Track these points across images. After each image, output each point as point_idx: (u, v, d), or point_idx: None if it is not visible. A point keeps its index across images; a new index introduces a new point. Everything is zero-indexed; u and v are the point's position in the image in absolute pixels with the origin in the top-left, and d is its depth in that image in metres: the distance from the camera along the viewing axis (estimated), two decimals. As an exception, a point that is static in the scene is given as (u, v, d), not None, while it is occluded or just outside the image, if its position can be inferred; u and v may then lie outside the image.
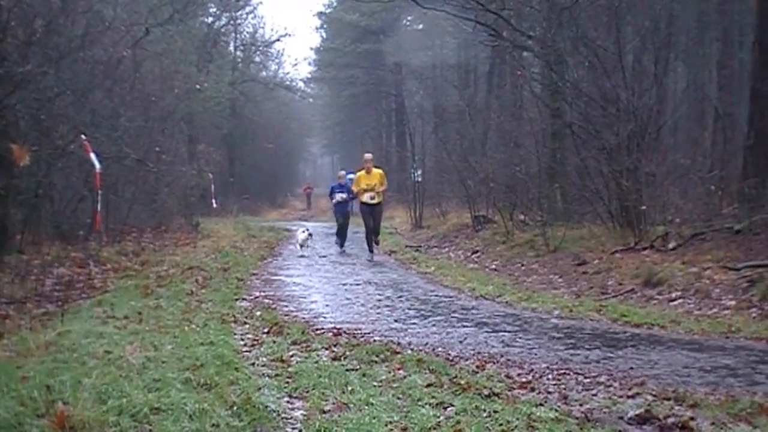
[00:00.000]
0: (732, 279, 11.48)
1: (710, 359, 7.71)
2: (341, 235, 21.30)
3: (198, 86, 28.81)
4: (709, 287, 11.42)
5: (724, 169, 17.18)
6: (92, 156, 13.79)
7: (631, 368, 7.31)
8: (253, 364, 7.04)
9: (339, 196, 21.22)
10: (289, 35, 56.22)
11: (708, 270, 12.12)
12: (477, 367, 7.23)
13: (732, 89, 22.46)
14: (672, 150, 19.61)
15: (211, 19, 41.78)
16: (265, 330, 8.77)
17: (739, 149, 16.62)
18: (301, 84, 58.83)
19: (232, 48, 48.43)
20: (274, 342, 8.05)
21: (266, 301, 11.35)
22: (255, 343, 8.08)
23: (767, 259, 11.81)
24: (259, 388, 6.00)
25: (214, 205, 30.00)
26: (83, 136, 14.01)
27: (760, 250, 12.50)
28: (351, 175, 39.68)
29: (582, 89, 17.40)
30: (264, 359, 7.29)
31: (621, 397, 6.16)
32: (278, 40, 50.19)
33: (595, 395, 6.24)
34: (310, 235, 19.81)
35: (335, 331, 8.92)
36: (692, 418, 5.41)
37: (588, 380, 6.78)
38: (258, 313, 9.95)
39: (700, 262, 12.62)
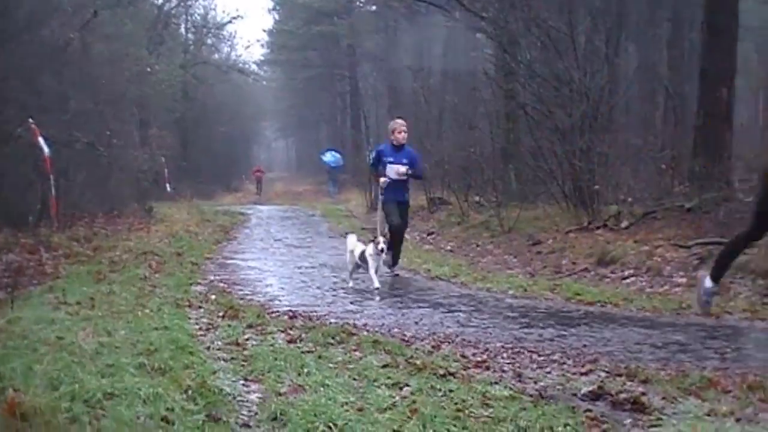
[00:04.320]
0: (683, 256, 11.63)
1: (662, 335, 7.81)
2: (396, 242, 12.92)
3: (149, 69, 28.45)
4: (660, 265, 11.56)
5: (674, 149, 17.33)
6: (40, 140, 13.61)
7: (585, 346, 7.37)
8: (208, 348, 6.99)
9: (395, 170, 12.70)
10: (241, 17, 56.00)
11: (659, 248, 12.26)
12: (432, 347, 7.25)
13: (682, 69, 22.69)
14: (624, 130, 19.73)
15: (161, 1, 41.27)
16: (220, 314, 8.71)
17: (690, 129, 16.79)
18: (254, 67, 58.54)
19: (183, 30, 47.99)
20: (230, 326, 8.00)
21: (221, 285, 11.28)
22: (210, 327, 8.03)
23: (717, 237, 11.97)
24: (214, 372, 5.97)
25: (168, 190, 29.77)
26: (31, 120, 13.81)
27: (709, 228, 12.66)
28: (330, 156, 39.63)
29: (535, 70, 17.47)
30: (219, 343, 7.25)
31: (574, 374, 6.22)
32: (230, 22, 49.75)
33: (549, 373, 6.29)
34: (382, 250, 11.39)
35: (291, 314, 8.90)
36: (644, 394, 5.48)
37: (542, 358, 6.83)
38: (213, 297, 9.89)
39: (652, 240, 12.76)
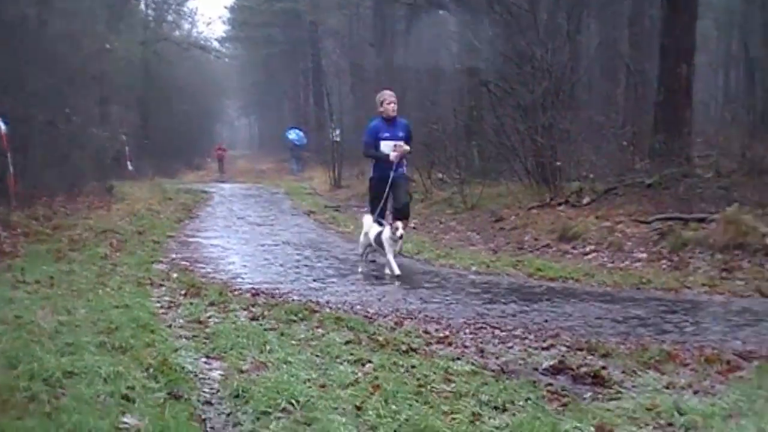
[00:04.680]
0: (643, 232, 11.74)
1: (622, 310, 7.89)
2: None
3: (108, 46, 28.07)
4: (621, 240, 11.66)
5: (636, 125, 17.45)
6: (-4, 117, 13.43)
7: (546, 321, 7.44)
8: (170, 326, 6.96)
9: (393, 148, 11.60)
10: (203, -7, 55.61)
11: (620, 224, 12.36)
12: (395, 323, 7.28)
13: (643, 46, 22.76)
14: (586, 107, 19.83)
15: (120, -24, 40.71)
16: (182, 292, 8.66)
17: (651, 105, 16.87)
18: (216, 44, 57.94)
19: (143, 6, 47.32)
20: (192, 304, 7.96)
21: (183, 263, 11.21)
22: (172, 305, 7.98)
23: (677, 212, 12.10)
24: (176, 350, 5.94)
25: (129, 168, 29.47)
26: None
27: (670, 204, 12.78)
28: (294, 134, 39.36)
29: (497, 47, 17.47)
30: (181, 321, 7.22)
31: (536, 349, 6.27)
32: (191, -2, 49.27)
33: (510, 348, 6.34)
34: (401, 237, 10.58)
35: (253, 291, 8.87)
36: (604, 367, 5.55)
37: (504, 333, 6.88)
38: (175, 276, 9.83)
39: (613, 216, 12.86)
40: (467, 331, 7.02)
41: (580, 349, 6.14)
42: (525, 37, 16.14)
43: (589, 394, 5.02)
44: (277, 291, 8.99)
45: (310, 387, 5.01)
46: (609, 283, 9.43)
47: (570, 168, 15.93)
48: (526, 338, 6.68)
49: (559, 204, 14.71)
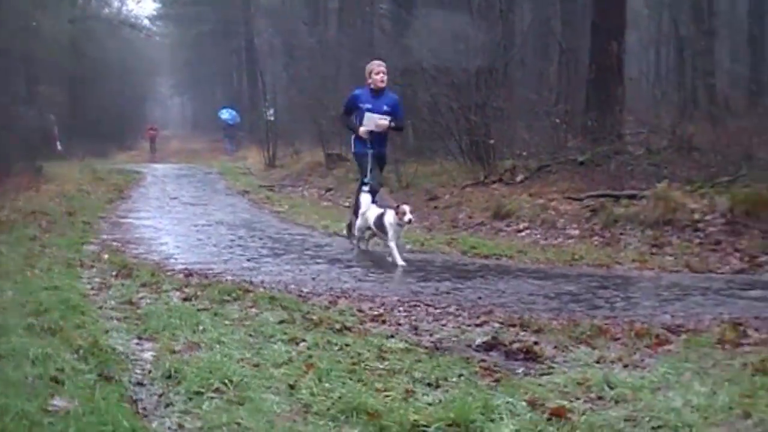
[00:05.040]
0: (576, 209, 11.88)
1: (554, 286, 7.97)
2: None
3: (34, 24, 27.48)
4: (554, 218, 11.78)
5: (568, 103, 17.60)
6: None
7: (480, 298, 7.47)
8: (100, 307, 6.84)
9: (375, 121, 10.74)
10: (132, -30, 54.59)
11: (553, 201, 12.49)
12: (329, 302, 7.24)
13: (575, 24, 22.95)
14: (519, 85, 19.96)
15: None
16: (114, 273, 8.52)
17: (583, 83, 17.03)
18: (146, 22, 57.08)
19: (70, -17, 46.49)
20: (123, 285, 7.84)
21: (115, 244, 11.04)
22: (102, 286, 7.85)
23: (608, 189, 12.26)
24: (107, 331, 5.85)
25: (59, 148, 28.97)
26: None
27: (601, 181, 12.95)
28: (227, 113, 38.93)
29: (430, 26, 17.46)
30: (112, 302, 7.10)
31: (469, 326, 6.29)
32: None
33: (444, 325, 6.34)
34: (410, 221, 9.60)
35: (186, 272, 8.75)
36: (536, 343, 5.59)
37: (438, 311, 6.89)
38: (106, 257, 9.66)
39: (546, 193, 12.98)
40: (401, 309, 7.02)
41: (513, 326, 6.17)
42: (458, 16, 16.14)
43: (522, 369, 5.05)
44: (210, 271, 8.89)
45: (243, 367, 4.96)
46: (542, 260, 9.52)
47: (504, 146, 16.03)
48: (459, 315, 6.69)
49: (493, 182, 14.81)
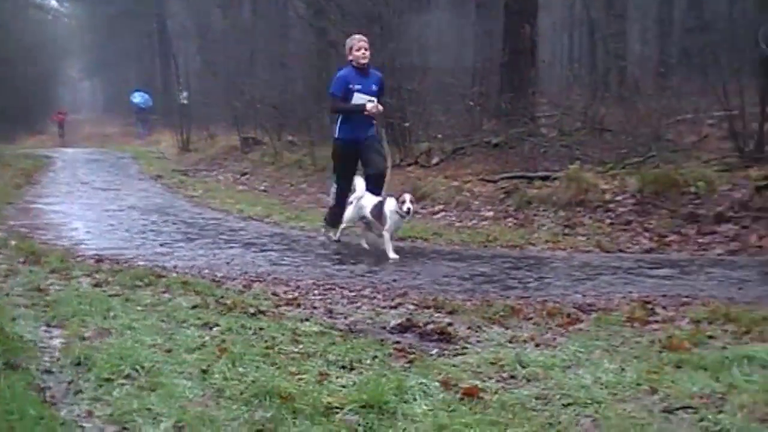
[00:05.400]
0: (490, 191, 11.99)
1: (469, 268, 8.05)
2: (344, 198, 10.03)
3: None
4: (469, 200, 11.87)
5: (483, 86, 17.70)
6: None
7: (395, 280, 7.51)
8: (7, 294, 6.65)
9: (364, 101, 9.69)
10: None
11: (468, 183, 12.59)
12: (244, 286, 7.20)
13: (490, 6, 23.07)
14: (435, 67, 20.00)
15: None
16: (21, 259, 8.29)
17: (497, 66, 17.15)
18: (54, 3, 55.74)
19: (-26, -37, 45.11)
20: (31, 271, 7.64)
21: (23, 230, 10.75)
22: (9, 273, 7.63)
23: (522, 171, 12.40)
24: (14, 319, 5.69)
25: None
26: None
27: (515, 163, 13.10)
28: (139, 97, 38.20)
29: (345, 8, 17.41)
30: (19, 289, 6.90)
31: (384, 308, 6.30)
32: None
33: (359, 308, 6.35)
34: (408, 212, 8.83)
35: (97, 257, 8.59)
36: (450, 324, 5.63)
37: (353, 294, 6.90)
38: (13, 243, 9.38)
39: (461, 175, 13.08)
40: (316, 292, 7.01)
41: (428, 307, 6.21)
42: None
43: (436, 350, 5.07)
44: (122, 257, 8.74)
45: (155, 352, 4.88)
46: (457, 242, 9.60)
47: (419, 129, 16.07)
48: (374, 298, 6.71)
49: (409, 165, 14.86)
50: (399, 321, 5.71)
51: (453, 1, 24.62)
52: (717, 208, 9.51)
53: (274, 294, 6.86)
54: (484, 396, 4.08)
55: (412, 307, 6.26)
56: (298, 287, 7.22)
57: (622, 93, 15.74)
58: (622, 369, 4.37)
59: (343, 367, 4.69)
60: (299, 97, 19.83)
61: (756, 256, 8.14)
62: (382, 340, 5.26)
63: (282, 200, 14.76)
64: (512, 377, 4.43)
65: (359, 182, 9.52)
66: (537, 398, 4.05)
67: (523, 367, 4.51)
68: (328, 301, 6.63)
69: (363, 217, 9.43)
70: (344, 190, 9.93)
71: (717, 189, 10.12)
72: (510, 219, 10.86)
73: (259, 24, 28.26)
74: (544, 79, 19.77)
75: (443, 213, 11.70)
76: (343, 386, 4.29)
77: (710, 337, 4.98)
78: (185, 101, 27.78)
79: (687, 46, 17.02)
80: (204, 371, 4.54)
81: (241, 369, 4.54)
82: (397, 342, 5.26)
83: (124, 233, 10.84)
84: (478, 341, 5.25)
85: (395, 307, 6.31)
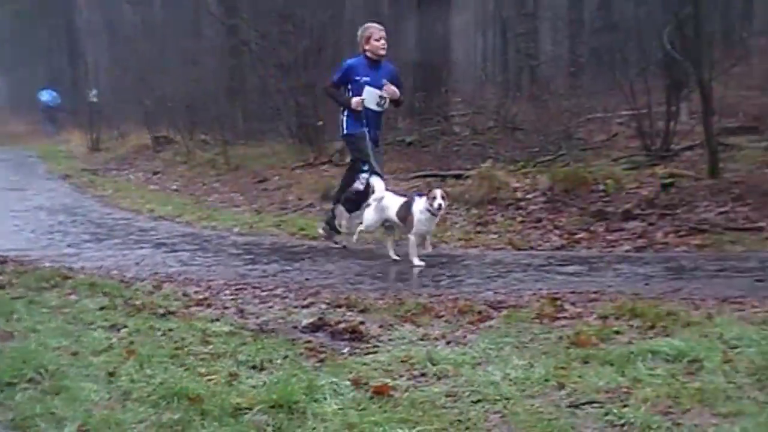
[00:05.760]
0: (404, 189, 11.99)
1: (382, 266, 8.07)
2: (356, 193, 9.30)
3: None
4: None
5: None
6: None
7: (307, 279, 7.48)
8: None
9: (376, 96, 9.05)
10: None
11: (382, 182, 12.59)
12: (153, 287, 7.09)
13: (402, 3, 23.13)
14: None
15: None
16: None
17: (410, 64, 17.22)
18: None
19: None
20: (-72, 275, 7.42)
21: None
22: None
23: (435, 169, 12.48)
24: None
25: None
26: None
27: (429, 161, 13.20)
28: (47, 95, 37.20)
29: (257, 5, 17.31)
30: None
31: (296, 307, 6.27)
32: None
33: (271, 307, 6.31)
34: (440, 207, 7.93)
35: (0, 259, 8.37)
36: (362, 323, 5.61)
37: (265, 293, 6.86)
38: None
39: (375, 174, 13.08)
40: (227, 292, 6.95)
41: (340, 306, 6.19)
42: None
43: (347, 349, 5.06)
44: (27, 258, 8.53)
45: (60, 355, 4.77)
46: (369, 240, 9.59)
47: (333, 127, 16.04)
48: (286, 297, 6.68)
49: (323, 163, 14.87)
50: (311, 320, 5.69)
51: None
52: (625, 205, 9.69)
53: (185, 294, 6.78)
54: (394, 394, 4.08)
55: (324, 306, 6.24)
56: (209, 287, 7.15)
57: (533, 92, 15.96)
58: (531, 365, 4.41)
59: (254, 368, 4.65)
60: (212, 95, 19.61)
61: (661, 252, 8.30)
62: (293, 340, 5.23)
63: (194, 199, 14.58)
64: (423, 375, 4.43)
65: (377, 182, 8.54)
66: (447, 395, 4.06)
67: (434, 365, 4.52)
68: (240, 301, 6.58)
69: (385, 221, 8.49)
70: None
71: (625, 187, 10.33)
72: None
73: (170, 20, 27.91)
74: (459, 78, 19.95)
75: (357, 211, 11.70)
76: (253, 386, 4.25)
77: (617, 332, 5.05)
78: (95, 99, 27.24)
79: (596, 46, 17.28)
80: (111, 374, 4.45)
81: (149, 371, 4.47)
82: (309, 341, 5.23)
83: (30, 234, 10.61)
84: (390, 339, 5.25)
85: (307, 306, 6.28)
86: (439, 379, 4.35)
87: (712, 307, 5.62)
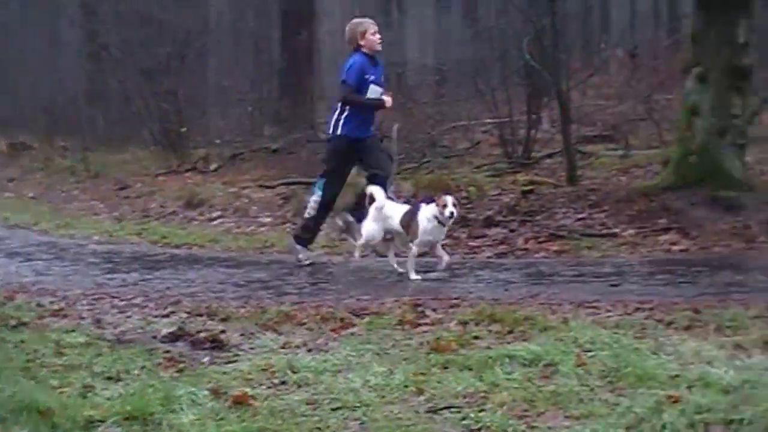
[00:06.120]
0: (269, 197, 12.00)
1: (245, 274, 8.00)
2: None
3: None
4: (247, 205, 11.83)
5: (262, 91, 17.69)
6: None
7: (168, 288, 7.35)
8: None
9: (378, 94, 8.38)
10: None
11: (247, 189, 12.57)
12: (6, 298, 6.83)
13: (270, 11, 23.02)
14: (215, 72, 19.81)
15: None
16: None
17: (277, 71, 17.18)
18: None
19: None
20: None
21: None
22: None
23: (300, 177, 12.45)
24: None
25: None
26: None
27: (294, 168, 13.16)
28: None
29: (119, 9, 16.98)
30: None
31: (156, 317, 6.17)
32: None
33: (129, 317, 6.18)
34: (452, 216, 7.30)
35: None
36: (223, 331, 5.56)
37: (123, 303, 6.70)
38: None
39: (240, 181, 13.04)
40: (84, 302, 6.76)
41: (201, 315, 6.11)
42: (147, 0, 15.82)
43: (207, 358, 5.00)
44: None
45: None
46: (234, 248, 9.53)
47: (198, 134, 15.89)
48: (146, 306, 6.54)
49: (187, 170, 14.70)
50: (171, 329, 5.60)
51: (233, 6, 24.39)
52: (487, 212, 9.86)
53: (39, 305, 6.57)
54: (254, 403, 4.05)
55: (184, 315, 6.14)
56: (65, 297, 6.95)
57: (399, 100, 16.10)
58: (391, 371, 4.44)
59: (110, 379, 4.56)
60: (71, 100, 19.10)
61: (522, 258, 8.48)
62: (151, 350, 5.14)
63: (52, 207, 14.12)
64: (283, 383, 4.42)
65: (376, 190, 7.79)
66: (307, 403, 4.05)
67: (295, 373, 4.51)
68: (97, 311, 6.43)
69: (387, 231, 7.79)
70: (332, 198, 8.47)
71: (487, 194, 10.54)
72: (288, 225, 10.82)
73: (27, 22, 27.03)
74: (326, 84, 19.97)
75: (221, 219, 11.56)
76: (108, 398, 4.17)
77: (476, 337, 5.14)
78: None
79: (461, 56, 17.58)
80: (-44, 388, 4.27)
81: (-2, 386, 4.30)
82: (168, 351, 5.16)
83: None
84: (251, 348, 5.21)
85: (167, 316, 6.17)
86: (299, 387, 4.34)
87: (568, 312, 5.77)
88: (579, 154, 11.71)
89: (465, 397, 4.02)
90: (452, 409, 3.87)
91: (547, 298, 6.36)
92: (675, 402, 3.72)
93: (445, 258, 7.52)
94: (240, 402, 4.04)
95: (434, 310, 6.06)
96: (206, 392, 4.19)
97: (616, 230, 8.98)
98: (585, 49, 18.37)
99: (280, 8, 16.42)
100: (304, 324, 5.76)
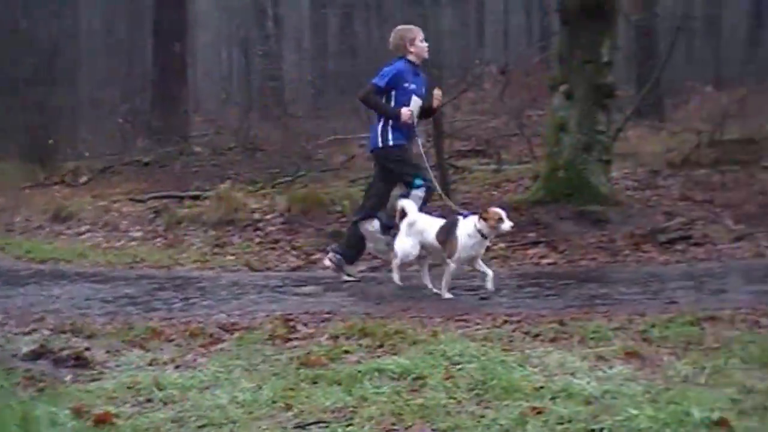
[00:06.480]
0: (139, 211, 11.81)
1: (113, 290, 7.81)
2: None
3: None
4: (117, 220, 11.61)
5: (134, 103, 17.41)
6: None
7: (32, 305, 7.12)
8: None
9: (419, 105, 7.86)
10: None
11: (117, 203, 12.36)
12: None
13: (144, 22, 22.67)
14: (87, 83, 19.38)
15: None
16: None
17: (150, 82, 16.93)
18: None
19: None
20: None
21: None
22: None
23: (173, 190, 12.31)
24: None
25: None
26: None
27: (166, 182, 13.02)
28: None
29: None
30: None
31: (17, 334, 5.95)
32: None
33: (-11, 336, 5.95)
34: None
35: None
36: (88, 349, 5.41)
37: (-21, 322, 6.46)
38: None
39: (110, 195, 12.81)
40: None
41: (65, 332, 5.91)
42: (10, 9, 15.35)
43: (70, 376, 4.85)
44: None
45: None
46: (102, 263, 9.32)
47: (67, 146, 15.50)
48: (6, 324, 6.31)
49: (55, 183, 14.37)
50: (32, 347, 5.40)
51: (107, 17, 23.93)
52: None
53: None
54: (116, 421, 3.94)
55: (47, 332, 5.94)
56: None
57: (275, 113, 16.07)
58: (260, 387, 4.39)
59: (-36, 400, 4.36)
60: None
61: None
62: (11, 369, 4.95)
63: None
64: (149, 401, 4.31)
65: (408, 204, 7.35)
66: (172, 421, 3.97)
67: (161, 390, 4.41)
68: (-51, 330, 6.16)
69: (422, 250, 7.27)
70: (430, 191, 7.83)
71: (362, 208, 10.56)
72: (159, 239, 10.67)
73: None
74: (202, 97, 19.77)
75: (89, 233, 11.29)
76: (-39, 421, 3.98)
77: (346, 351, 5.12)
78: None
79: (337, 70, 17.65)
80: None
81: None
82: (28, 370, 4.97)
83: None
84: (117, 365, 5.09)
85: (29, 333, 5.95)
86: (165, 404, 4.24)
87: (438, 325, 5.80)
88: (452, 168, 11.86)
89: (333, 412, 3.99)
90: (320, 425, 3.83)
91: (418, 312, 6.39)
92: (539, 413, 3.77)
93: (489, 273, 7.03)
94: (102, 421, 3.93)
95: (306, 324, 6.03)
96: (67, 412, 4.05)
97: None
98: (459, 65, 18.65)
99: (153, 19, 16.15)
100: (173, 340, 5.66)
